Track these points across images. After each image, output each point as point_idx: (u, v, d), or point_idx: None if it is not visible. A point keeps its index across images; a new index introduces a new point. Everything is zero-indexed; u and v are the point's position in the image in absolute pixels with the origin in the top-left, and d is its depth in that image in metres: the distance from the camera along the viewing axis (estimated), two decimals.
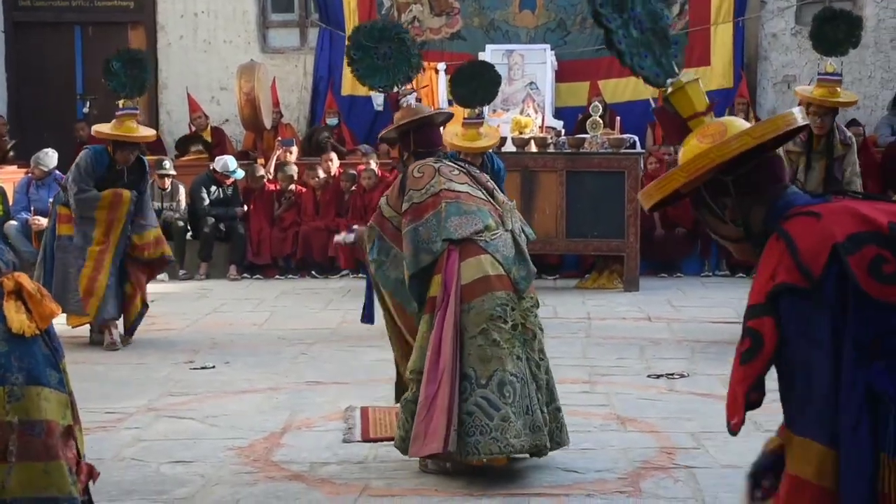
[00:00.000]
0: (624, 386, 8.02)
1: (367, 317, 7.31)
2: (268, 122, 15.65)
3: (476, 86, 10.60)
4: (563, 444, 6.05)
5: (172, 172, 14.40)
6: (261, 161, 15.20)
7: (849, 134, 9.85)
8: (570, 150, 12.84)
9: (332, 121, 16.32)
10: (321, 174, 14.59)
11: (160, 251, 9.95)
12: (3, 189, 14.20)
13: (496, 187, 6.33)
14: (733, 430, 3.12)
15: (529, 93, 15.71)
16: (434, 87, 15.88)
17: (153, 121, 16.52)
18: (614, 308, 11.47)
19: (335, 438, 6.73)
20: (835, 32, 9.70)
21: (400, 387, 6.26)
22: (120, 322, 9.87)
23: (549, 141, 13.02)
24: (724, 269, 13.95)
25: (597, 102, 14.38)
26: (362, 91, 16.16)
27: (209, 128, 16.30)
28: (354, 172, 14.53)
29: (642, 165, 13.27)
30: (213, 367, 8.85)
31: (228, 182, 14.52)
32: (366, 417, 7.08)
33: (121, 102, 9.67)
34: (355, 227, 7.38)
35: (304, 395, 7.89)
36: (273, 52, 17.36)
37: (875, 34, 16.30)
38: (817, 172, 9.40)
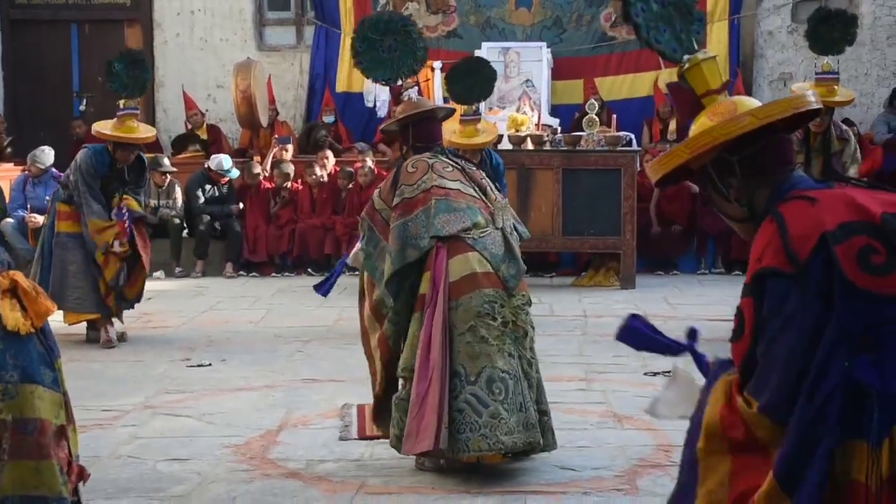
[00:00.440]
0: (620, 383, 8.02)
1: (324, 289, 7.35)
2: (264, 120, 15.65)
3: (472, 82, 10.60)
4: (547, 449, 6.01)
5: (172, 170, 14.39)
6: (257, 159, 15.19)
7: (844, 128, 9.88)
8: (566, 148, 12.84)
9: (328, 118, 16.31)
10: (318, 172, 14.59)
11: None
12: None
13: (490, 185, 6.32)
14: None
15: (525, 90, 15.71)
16: (430, 85, 15.88)
17: (149, 118, 16.48)
18: (611, 305, 11.47)
19: (331, 436, 6.73)
20: (830, 32, 9.73)
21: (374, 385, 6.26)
22: (120, 324, 9.89)
23: (546, 138, 13.02)
24: (720, 266, 13.96)
25: (594, 100, 14.37)
26: (357, 88, 16.23)
27: (205, 125, 16.29)
28: (351, 170, 14.53)
29: (639, 163, 13.27)
30: (210, 364, 8.85)
31: (223, 181, 14.52)
32: (362, 415, 7.07)
33: (122, 102, 9.66)
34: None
35: (301, 392, 7.89)
36: (269, 50, 17.36)
37: (871, 31, 16.31)
38: (815, 168, 9.42)
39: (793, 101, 3.23)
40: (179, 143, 16.12)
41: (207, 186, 14.50)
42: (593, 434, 6.72)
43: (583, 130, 13.02)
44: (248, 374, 8.47)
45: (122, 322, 9.96)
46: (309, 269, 14.25)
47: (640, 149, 14.27)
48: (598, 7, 16.64)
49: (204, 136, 16.12)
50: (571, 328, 10.19)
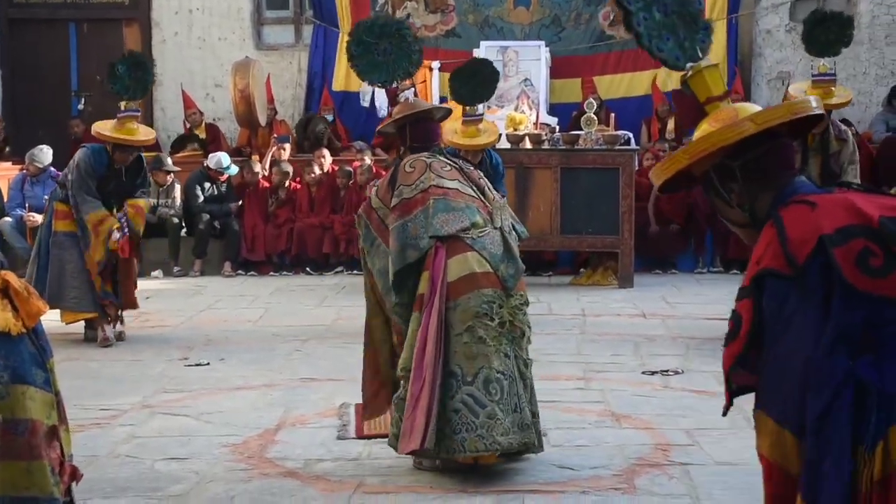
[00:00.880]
0: (618, 383, 8.02)
1: None
2: (263, 119, 15.64)
3: (475, 84, 10.60)
4: (534, 451, 6.00)
5: (175, 169, 14.40)
6: (255, 157, 15.19)
7: (843, 128, 9.86)
8: (564, 147, 12.84)
9: (326, 117, 16.29)
10: (316, 170, 14.59)
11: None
12: None
13: (488, 184, 6.32)
14: (723, 411, 3.18)
15: (524, 89, 15.71)
16: (427, 87, 15.88)
17: (148, 118, 16.48)
18: (609, 304, 11.47)
19: (330, 435, 6.73)
20: (826, 34, 9.73)
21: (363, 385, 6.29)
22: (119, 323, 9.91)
23: (544, 137, 13.02)
24: (718, 265, 13.97)
25: (592, 99, 14.37)
26: (354, 87, 16.23)
27: (204, 124, 16.29)
28: (350, 169, 14.53)
29: (637, 162, 13.27)
30: (208, 363, 8.85)
31: (222, 179, 14.52)
32: (360, 414, 7.07)
33: (123, 104, 9.65)
34: None
35: (299, 391, 7.89)
36: (268, 49, 17.35)
37: (869, 31, 16.31)
38: (813, 169, 9.41)
39: (792, 107, 3.24)
40: (179, 145, 16.11)
41: (206, 185, 14.50)
42: (591, 433, 6.72)
43: (581, 129, 13.01)
44: (246, 374, 8.47)
45: (122, 323, 9.96)
46: (307, 269, 14.25)
47: (638, 148, 14.26)
48: (597, 6, 16.64)
49: (202, 136, 16.12)
50: (569, 327, 10.19)
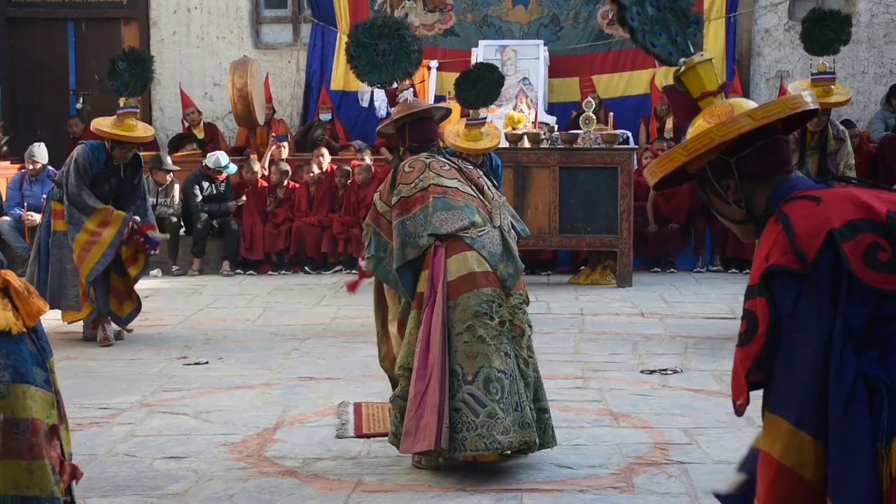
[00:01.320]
0: (617, 382, 8.02)
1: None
2: (261, 118, 15.64)
3: (480, 88, 10.60)
4: (546, 446, 6.03)
5: (175, 168, 14.40)
6: (254, 157, 15.19)
7: (841, 128, 9.88)
8: (563, 146, 12.85)
9: (325, 116, 16.29)
10: (315, 170, 14.59)
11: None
12: None
13: (487, 184, 6.32)
14: (738, 410, 3.13)
15: (522, 88, 15.70)
16: (426, 86, 15.88)
17: (146, 117, 16.47)
18: (607, 304, 11.48)
19: (328, 434, 6.73)
20: (825, 33, 9.74)
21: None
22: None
23: (543, 136, 13.02)
24: (717, 264, 13.97)
25: (591, 98, 14.37)
26: (353, 86, 16.22)
27: (202, 123, 16.28)
28: (348, 168, 14.53)
29: (636, 161, 13.27)
30: (207, 362, 8.86)
31: (221, 178, 14.53)
32: (359, 413, 7.08)
33: (122, 101, 9.65)
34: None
35: (298, 390, 7.89)
36: (266, 48, 17.36)
37: (868, 30, 16.32)
38: (810, 167, 9.43)
39: (789, 102, 3.22)
40: (177, 144, 16.11)
41: (205, 184, 14.50)
42: (590, 432, 6.72)
43: (580, 128, 13.02)
44: (244, 373, 8.47)
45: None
46: (306, 268, 14.26)
47: (636, 147, 14.26)
48: (595, 5, 16.63)
49: (201, 135, 16.11)
50: (568, 326, 10.19)
